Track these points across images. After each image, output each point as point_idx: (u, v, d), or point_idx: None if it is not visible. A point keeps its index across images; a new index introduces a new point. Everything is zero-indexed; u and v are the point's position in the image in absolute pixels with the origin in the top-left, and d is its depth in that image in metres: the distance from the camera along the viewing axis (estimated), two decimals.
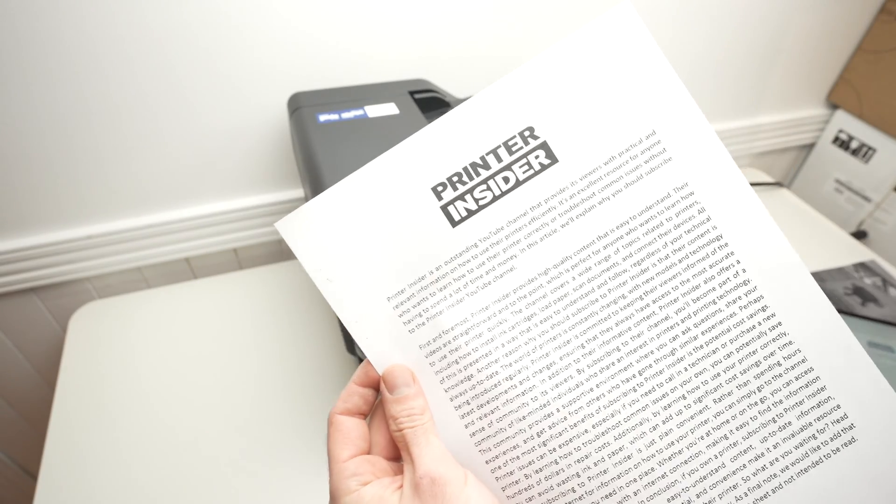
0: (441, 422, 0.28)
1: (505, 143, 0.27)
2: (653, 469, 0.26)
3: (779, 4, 0.92)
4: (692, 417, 0.27)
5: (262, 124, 0.73)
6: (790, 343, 0.27)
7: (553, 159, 0.27)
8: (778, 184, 1.13)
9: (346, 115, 0.61)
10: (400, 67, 0.75)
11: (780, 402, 0.27)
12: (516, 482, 0.27)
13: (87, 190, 0.70)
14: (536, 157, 0.27)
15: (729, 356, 0.27)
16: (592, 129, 0.27)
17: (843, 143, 1.13)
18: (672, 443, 0.26)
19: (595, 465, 0.26)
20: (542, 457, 0.27)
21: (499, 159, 0.27)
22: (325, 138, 0.57)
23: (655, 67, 0.28)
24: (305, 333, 0.73)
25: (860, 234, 1.12)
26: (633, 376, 0.27)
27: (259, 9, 0.63)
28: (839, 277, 0.91)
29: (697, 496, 0.26)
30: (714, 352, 0.27)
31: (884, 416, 0.26)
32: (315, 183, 0.52)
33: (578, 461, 0.26)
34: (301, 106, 0.63)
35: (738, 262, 0.28)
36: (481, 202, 0.27)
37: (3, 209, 0.67)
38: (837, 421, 0.27)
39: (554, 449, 0.27)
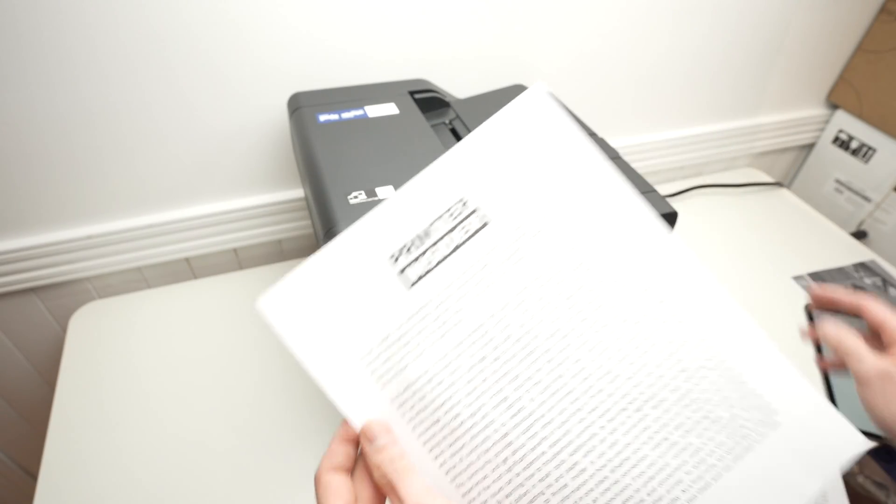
0: (417, 465, 0.30)
1: (445, 212, 0.32)
2: (606, 477, 0.30)
3: (779, 4, 0.93)
4: (634, 426, 0.30)
5: (262, 124, 0.73)
6: (710, 346, 0.31)
7: (484, 222, 0.32)
8: (778, 184, 1.13)
9: (346, 115, 0.61)
10: (400, 67, 0.75)
11: (710, 399, 0.31)
12: None
13: (87, 190, 0.70)
14: (471, 221, 0.32)
15: (659, 366, 0.31)
16: (516, 197, 0.32)
17: (842, 143, 1.14)
18: (620, 451, 0.30)
19: (556, 481, 0.30)
20: (509, 482, 0.30)
21: (441, 226, 0.32)
22: (325, 138, 0.57)
23: (565, 144, 0.33)
24: None
25: (860, 234, 1.12)
26: (578, 397, 0.30)
27: (259, 9, 0.63)
28: (839, 277, 0.91)
29: (648, 495, 0.30)
30: (645, 364, 0.31)
31: (798, 398, 0.31)
32: (315, 183, 0.52)
33: (541, 480, 0.30)
34: (301, 106, 0.63)
35: (652, 285, 0.32)
36: (431, 264, 0.32)
37: (3, 209, 0.67)
38: (762, 408, 0.31)
39: (518, 473, 0.30)
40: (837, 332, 0.43)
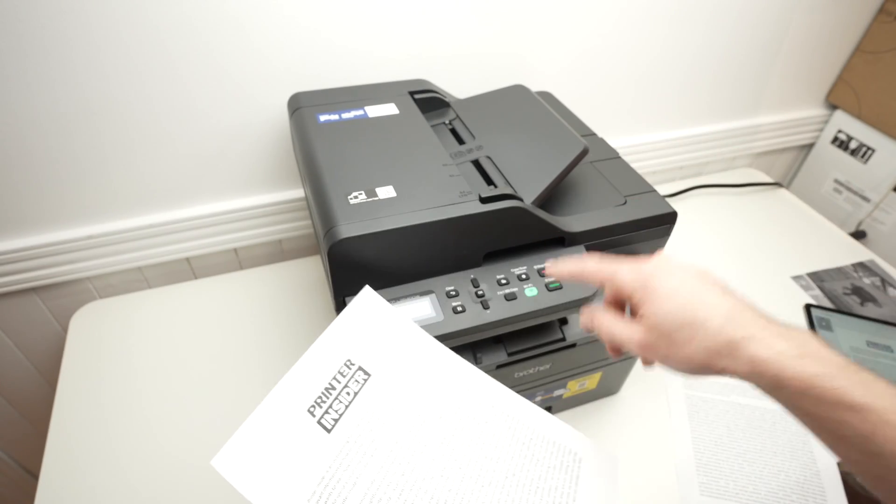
0: None
1: (339, 371, 0.42)
2: None
3: (778, 5, 0.93)
4: (521, 485, 0.43)
5: (263, 124, 0.73)
6: (527, 425, 0.47)
7: (368, 374, 0.43)
8: (777, 184, 1.13)
9: (346, 115, 0.61)
10: (400, 67, 0.75)
11: (544, 455, 0.46)
12: None
13: (88, 190, 0.70)
14: (359, 375, 0.42)
15: (510, 448, 0.45)
16: (382, 355, 0.44)
17: (842, 144, 1.14)
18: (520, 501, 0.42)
19: None
20: None
21: (339, 381, 0.41)
22: (325, 138, 0.57)
23: (392, 319, 0.47)
24: (305, 333, 0.73)
25: (859, 234, 1.12)
26: (477, 478, 0.41)
27: (260, 8, 0.63)
28: (838, 277, 0.91)
29: None
30: (508, 447, 0.45)
31: (577, 439, 0.48)
32: (315, 183, 0.52)
33: None
34: (301, 106, 0.63)
35: (484, 400, 0.47)
36: (339, 411, 0.40)
37: (4, 209, 0.67)
38: (569, 452, 0.47)
39: None
40: (597, 320, 0.40)
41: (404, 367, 0.44)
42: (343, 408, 0.40)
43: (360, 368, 0.43)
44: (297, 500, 0.35)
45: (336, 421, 0.39)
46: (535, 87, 0.76)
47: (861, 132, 1.10)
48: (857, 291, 0.89)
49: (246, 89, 0.69)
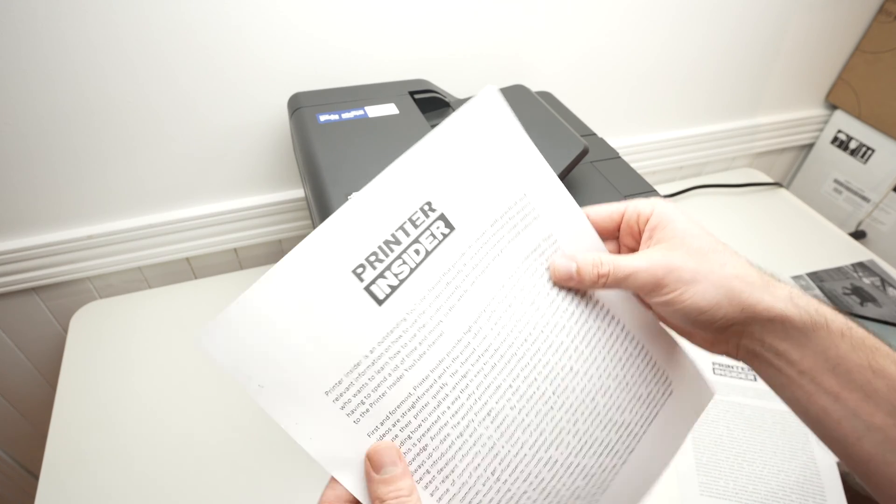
0: None
1: (409, 219, 0.29)
2: (572, 463, 0.32)
3: (778, 5, 0.93)
4: (591, 414, 0.33)
5: (263, 124, 0.73)
6: (633, 338, 0.35)
7: (451, 227, 0.30)
8: (777, 184, 1.13)
9: (346, 115, 0.61)
10: (400, 67, 0.75)
11: (636, 381, 0.35)
12: None
13: (87, 190, 0.70)
14: (437, 227, 0.30)
15: (604, 360, 0.34)
16: (478, 198, 0.31)
17: (841, 144, 1.14)
18: (581, 438, 0.32)
19: (535, 477, 0.31)
20: (498, 490, 0.30)
21: (407, 234, 0.29)
22: (325, 138, 0.57)
23: (518, 143, 0.33)
24: None
25: (859, 234, 1.12)
26: (549, 398, 0.31)
27: (260, 9, 0.63)
28: (838, 277, 0.91)
29: (601, 468, 0.34)
30: (595, 360, 0.33)
31: (686, 370, 0.37)
32: (315, 183, 0.52)
33: (524, 480, 0.31)
34: (301, 106, 0.63)
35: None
36: (400, 276, 0.29)
37: (3, 209, 0.67)
38: (662, 382, 0.36)
39: (505, 480, 0.30)
40: (578, 261, 0.32)
41: (503, 233, 0.32)
42: (406, 272, 0.29)
43: (442, 217, 0.30)
44: (315, 389, 0.27)
45: (393, 290, 0.28)
46: (535, 87, 0.76)
47: (861, 132, 1.10)
48: (857, 291, 0.89)
49: (246, 89, 0.69)
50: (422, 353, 0.29)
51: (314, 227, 0.61)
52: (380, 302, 0.28)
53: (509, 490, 0.30)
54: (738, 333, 0.32)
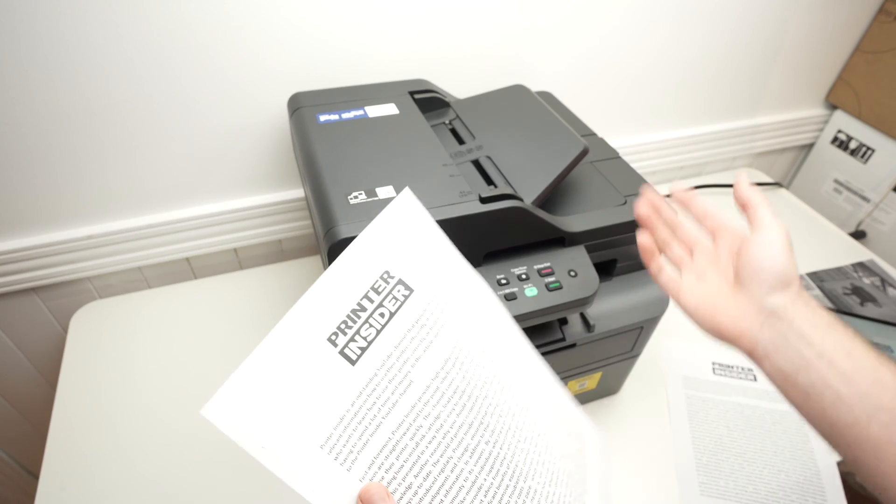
0: None
1: (372, 287, 0.34)
2: (548, 492, 0.35)
3: (778, 5, 0.93)
4: (549, 444, 0.36)
5: (263, 124, 0.73)
6: (555, 383, 0.42)
7: (410, 289, 0.34)
8: (777, 184, 1.13)
9: (346, 115, 0.61)
10: (400, 67, 0.75)
11: (566, 418, 0.41)
12: None
13: (87, 190, 0.70)
14: (398, 290, 0.34)
15: (549, 394, 0.39)
16: (426, 265, 0.36)
17: (841, 144, 1.14)
18: (548, 466, 0.35)
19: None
20: None
21: (371, 301, 0.33)
22: (325, 138, 0.57)
23: (431, 233, 0.38)
24: None
25: (859, 234, 1.12)
26: (516, 432, 0.34)
27: (260, 8, 0.63)
28: (838, 277, 0.91)
29: (567, 488, 0.36)
30: (543, 394, 0.39)
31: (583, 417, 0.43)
32: (315, 183, 0.52)
33: None
34: (301, 106, 0.63)
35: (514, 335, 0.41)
36: (368, 338, 0.33)
37: (3, 209, 0.67)
38: (578, 422, 0.43)
39: None
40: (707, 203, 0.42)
41: (450, 289, 0.37)
42: (374, 333, 0.33)
43: (400, 282, 0.34)
44: (310, 446, 0.30)
45: (363, 350, 0.32)
46: (535, 86, 0.76)
47: (861, 132, 1.10)
48: (857, 291, 0.89)
49: (246, 89, 0.69)
50: (395, 402, 0.32)
51: (314, 228, 0.61)
52: (353, 362, 0.32)
53: None
54: (781, 307, 0.35)
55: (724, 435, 0.67)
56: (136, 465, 0.60)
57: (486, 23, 0.75)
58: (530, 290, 0.51)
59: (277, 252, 0.87)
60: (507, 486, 0.33)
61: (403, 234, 0.36)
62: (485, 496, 0.32)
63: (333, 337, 0.32)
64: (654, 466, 0.64)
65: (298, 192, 0.81)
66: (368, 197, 0.49)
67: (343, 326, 0.32)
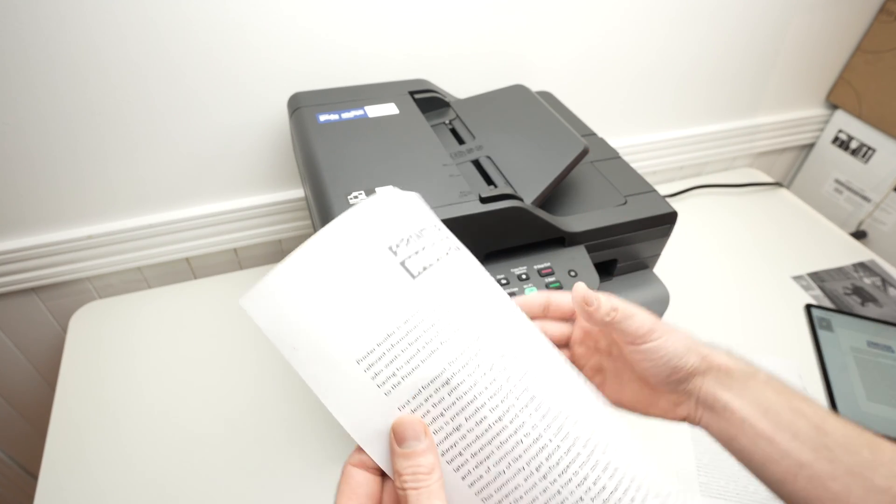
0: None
1: (436, 224, 0.31)
2: (625, 474, 0.28)
3: (778, 5, 0.93)
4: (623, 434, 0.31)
5: (263, 124, 0.73)
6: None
7: (458, 248, 0.32)
8: (777, 184, 1.13)
9: (346, 115, 0.61)
10: (400, 67, 0.75)
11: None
12: None
13: (88, 190, 0.70)
14: (450, 242, 0.31)
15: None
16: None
17: (842, 143, 1.14)
18: (624, 444, 0.30)
19: (594, 484, 0.27)
20: (545, 490, 0.27)
21: (435, 231, 0.30)
22: (325, 138, 0.57)
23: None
24: None
25: (860, 234, 1.12)
26: (592, 395, 0.31)
27: (260, 8, 0.63)
28: (839, 277, 0.91)
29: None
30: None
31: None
32: (315, 183, 0.52)
33: (579, 485, 0.27)
34: (301, 106, 0.63)
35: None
36: (438, 256, 0.29)
37: (4, 209, 0.67)
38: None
39: (555, 480, 0.27)
40: (599, 297, 0.35)
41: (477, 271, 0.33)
42: (434, 259, 0.29)
43: (448, 237, 0.31)
44: (347, 355, 0.27)
45: (426, 269, 0.28)
46: (535, 86, 0.76)
47: (861, 132, 1.09)
48: (858, 291, 0.89)
49: (246, 89, 0.69)
50: (457, 328, 0.28)
51: (314, 227, 0.60)
52: (414, 276, 0.28)
53: (559, 493, 0.27)
54: (697, 387, 0.34)
55: None
56: (135, 465, 0.60)
57: (487, 23, 0.75)
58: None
59: (277, 252, 0.87)
60: (579, 454, 0.27)
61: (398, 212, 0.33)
62: (546, 459, 0.27)
63: (395, 247, 0.28)
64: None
65: (298, 192, 0.81)
66: (368, 197, 0.49)
67: (407, 240, 0.29)
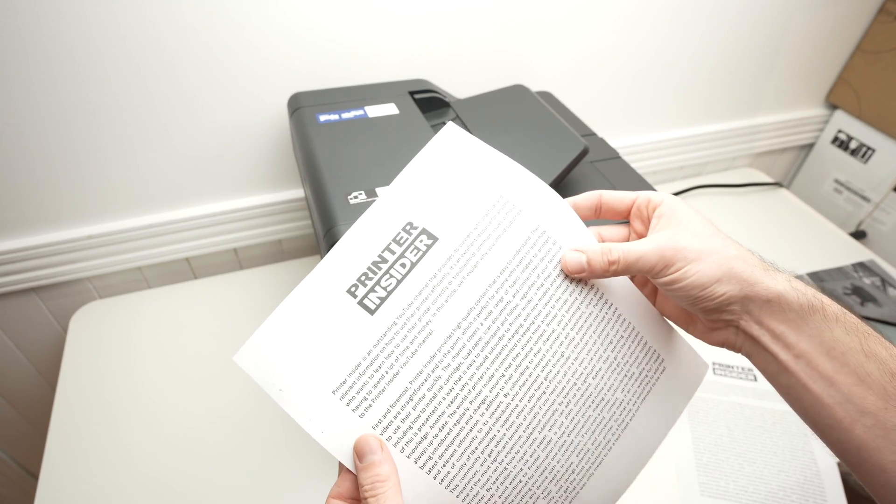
0: (411, 484, 0.31)
1: (394, 240, 0.34)
2: (566, 441, 0.35)
3: (778, 5, 0.93)
4: (582, 394, 0.35)
5: (263, 124, 0.73)
6: (624, 320, 0.37)
7: (434, 238, 0.34)
8: (777, 184, 1.13)
9: (346, 115, 0.61)
10: (400, 67, 0.75)
11: (628, 360, 0.37)
12: (485, 500, 0.33)
13: (88, 190, 0.70)
14: (421, 240, 0.34)
15: (595, 343, 0.36)
16: (455, 209, 0.35)
17: (842, 144, 1.14)
18: (573, 418, 0.35)
19: (531, 457, 0.34)
20: (496, 469, 0.33)
21: (392, 252, 0.34)
22: (325, 138, 0.57)
23: (484, 155, 0.37)
24: None
25: (859, 234, 1.12)
26: (542, 383, 0.34)
27: (260, 8, 0.63)
28: (838, 277, 0.91)
29: (594, 444, 0.36)
30: (586, 344, 0.36)
31: (677, 346, 0.39)
32: (315, 183, 0.52)
33: (520, 460, 0.34)
34: (301, 106, 0.63)
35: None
36: (388, 288, 0.33)
37: (4, 209, 0.67)
38: (655, 359, 0.38)
39: (502, 460, 0.33)
40: (587, 252, 0.34)
41: (487, 232, 0.35)
42: (394, 283, 0.33)
43: (423, 231, 0.34)
44: (323, 389, 0.31)
45: (382, 300, 0.33)
46: (535, 86, 0.76)
47: (861, 132, 1.10)
48: (858, 291, 0.89)
49: (246, 89, 0.69)
50: (413, 351, 0.32)
51: (314, 228, 0.61)
52: (371, 312, 0.33)
53: (506, 469, 0.33)
54: (738, 315, 0.32)
55: (725, 435, 0.67)
56: (135, 465, 0.60)
57: (487, 23, 0.75)
58: None
59: (277, 252, 0.87)
60: (520, 436, 0.34)
61: (440, 177, 0.35)
62: (496, 446, 0.33)
63: (353, 288, 0.33)
64: (654, 466, 0.64)
65: (298, 192, 0.81)
66: (368, 197, 0.49)
67: (363, 278, 0.33)
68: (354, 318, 0.32)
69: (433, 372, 0.32)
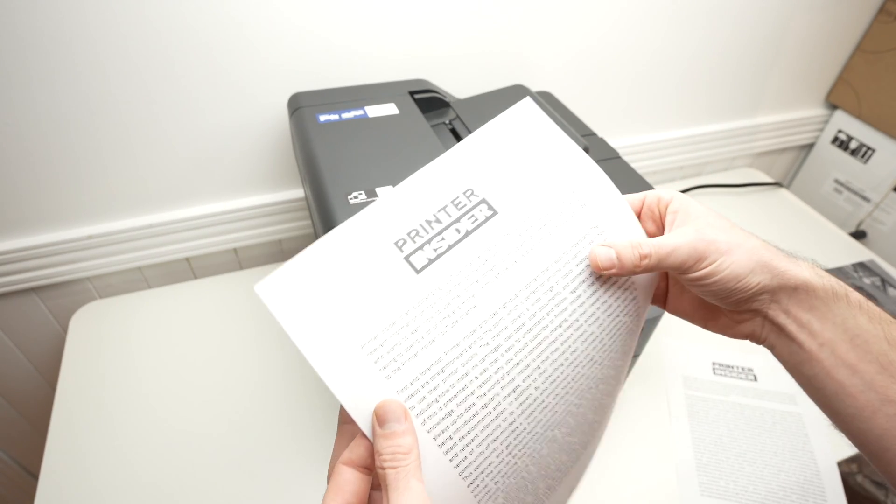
0: (425, 461, 0.29)
1: (452, 202, 0.33)
2: (568, 443, 0.34)
3: (778, 5, 0.93)
4: (594, 402, 0.35)
5: (263, 124, 0.73)
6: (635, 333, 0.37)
7: (494, 211, 0.33)
8: (777, 184, 1.13)
9: (346, 115, 0.61)
10: (400, 67, 0.75)
11: (624, 372, 0.37)
12: (491, 493, 0.31)
13: (88, 190, 0.70)
14: (480, 210, 0.33)
15: (618, 351, 0.35)
16: (519, 188, 0.34)
17: (842, 144, 1.14)
18: (579, 419, 0.34)
19: (537, 453, 0.32)
20: (508, 463, 0.31)
21: (448, 215, 0.32)
22: (325, 138, 0.57)
23: (560, 140, 0.36)
24: None
25: (859, 234, 1.12)
26: (569, 383, 0.33)
27: (260, 8, 0.63)
28: (838, 277, 0.91)
29: (581, 445, 0.35)
30: (615, 350, 0.35)
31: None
32: (315, 183, 0.52)
33: (530, 456, 0.32)
34: (301, 106, 0.63)
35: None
36: (438, 251, 0.31)
37: (4, 209, 0.67)
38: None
39: (516, 454, 0.31)
40: (617, 247, 0.33)
41: (550, 217, 0.34)
42: (444, 247, 0.31)
43: (483, 202, 0.33)
44: (352, 340, 0.29)
45: (431, 261, 0.31)
46: (535, 86, 0.76)
47: (861, 132, 1.10)
48: (858, 291, 0.89)
49: (246, 89, 0.69)
50: (455, 321, 0.30)
51: (314, 228, 0.61)
52: (417, 271, 0.31)
53: (517, 464, 0.32)
54: (766, 305, 0.32)
55: (725, 435, 0.67)
56: (135, 465, 0.60)
57: (487, 23, 0.75)
58: None
59: (277, 252, 0.87)
60: (537, 433, 0.32)
61: (507, 150, 0.34)
62: (514, 438, 0.31)
63: (401, 243, 0.31)
64: (654, 466, 0.64)
65: (298, 192, 0.81)
66: (368, 197, 0.49)
67: (413, 234, 0.31)
68: (398, 274, 0.30)
69: (470, 347, 0.30)
